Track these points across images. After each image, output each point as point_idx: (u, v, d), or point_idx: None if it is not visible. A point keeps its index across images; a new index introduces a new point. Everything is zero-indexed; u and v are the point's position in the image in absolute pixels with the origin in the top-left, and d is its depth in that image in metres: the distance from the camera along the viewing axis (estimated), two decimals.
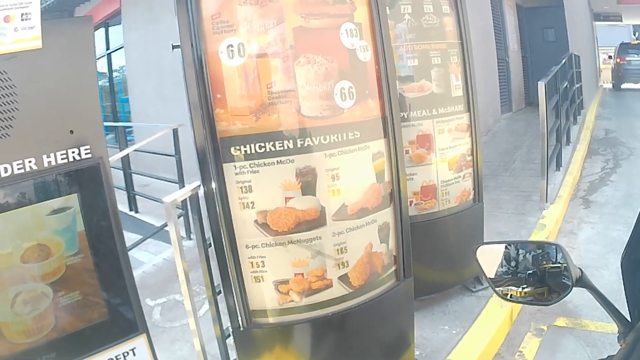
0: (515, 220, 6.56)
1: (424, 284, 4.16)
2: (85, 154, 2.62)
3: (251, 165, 3.00)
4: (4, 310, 2.52)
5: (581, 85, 12.64)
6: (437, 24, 4.31)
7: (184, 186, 7.20)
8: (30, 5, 2.48)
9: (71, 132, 2.59)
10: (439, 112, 4.27)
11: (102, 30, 15.36)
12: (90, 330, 2.74)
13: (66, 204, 2.64)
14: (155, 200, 7.40)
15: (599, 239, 6.19)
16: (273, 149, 2.99)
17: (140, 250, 7.31)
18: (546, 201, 6.95)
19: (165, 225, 6.83)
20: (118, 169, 8.41)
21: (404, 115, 4.03)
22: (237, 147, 2.99)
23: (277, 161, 3.01)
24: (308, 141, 3.04)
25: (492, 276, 1.84)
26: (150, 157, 8.21)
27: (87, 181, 2.66)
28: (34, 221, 2.58)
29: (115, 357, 2.77)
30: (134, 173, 8.58)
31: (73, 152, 2.59)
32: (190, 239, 6.51)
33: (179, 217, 5.64)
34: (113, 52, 14.32)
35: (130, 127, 12.52)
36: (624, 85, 25.05)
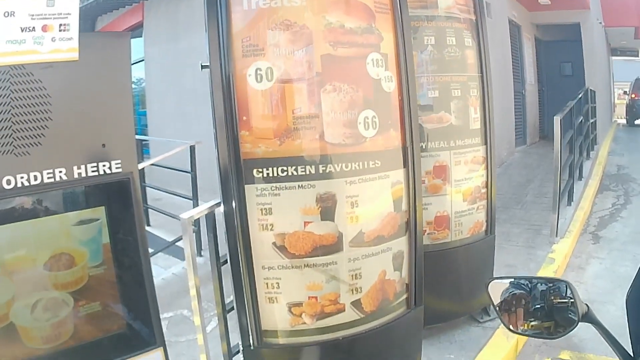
0: (524, 253, 6.55)
1: (432, 312, 4.17)
2: (116, 168, 2.64)
3: (272, 188, 3.04)
4: (23, 315, 2.55)
5: (595, 121, 12.64)
6: (459, 56, 4.35)
7: (197, 203, 7.27)
8: (69, 16, 2.51)
9: (103, 145, 2.62)
10: (456, 144, 4.30)
11: None
12: (107, 340, 2.76)
13: (93, 216, 2.67)
14: (167, 215, 7.44)
15: (606, 275, 6.18)
16: (295, 173, 3.04)
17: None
18: (556, 235, 6.93)
19: (177, 240, 6.86)
20: None
21: (422, 146, 4.04)
22: (260, 170, 3.03)
23: (298, 185, 3.05)
24: (330, 167, 3.08)
25: (502, 309, 1.88)
26: (164, 171, 8.26)
27: (115, 195, 2.68)
28: (60, 230, 2.62)
29: None
30: (148, 187, 8.61)
31: (104, 166, 2.61)
32: (201, 255, 6.53)
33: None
34: (133, 64, 14.33)
35: (147, 140, 12.55)
36: (638, 121, 24.97)
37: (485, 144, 4.51)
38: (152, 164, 8.10)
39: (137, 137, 11.78)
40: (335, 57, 3.11)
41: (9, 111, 2.41)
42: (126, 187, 2.68)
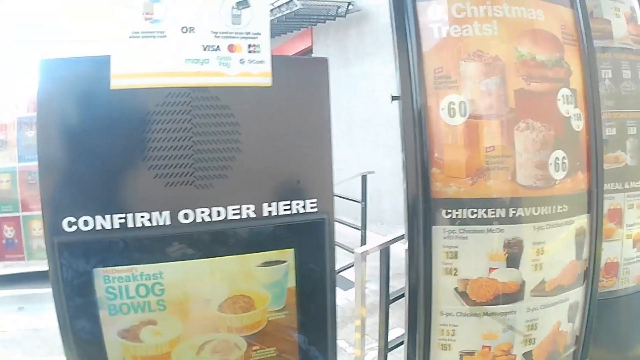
0: None
1: None
2: (311, 208, 2.45)
3: (460, 231, 2.85)
4: (187, 356, 2.37)
5: None
6: (634, 90, 4.06)
7: (365, 233, 7.18)
8: (259, 36, 2.36)
9: (298, 182, 2.42)
10: (630, 186, 4.01)
11: None
12: None
13: (280, 258, 2.45)
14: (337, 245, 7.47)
15: None
16: (485, 215, 2.84)
17: None
18: None
19: (342, 270, 6.75)
20: None
21: None
22: (449, 211, 2.85)
23: (487, 229, 2.85)
24: (520, 211, 2.87)
25: None
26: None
27: (307, 237, 2.47)
28: (242, 271, 2.41)
29: None
30: None
31: (297, 205, 2.42)
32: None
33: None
34: None
35: None
36: None
37: None
38: None
39: None
40: (528, 92, 2.91)
41: (190, 138, 2.25)
42: (320, 230, 2.47)
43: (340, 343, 5.28)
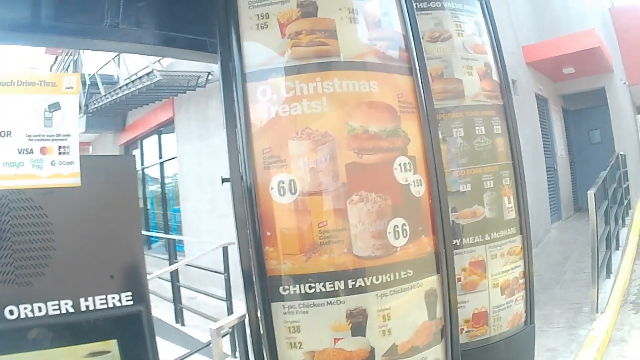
0: (566, 334, 6.30)
1: None
2: (127, 300, 2.56)
3: (300, 306, 2.91)
4: None
5: (628, 185, 12.36)
6: (489, 145, 4.20)
7: (231, 304, 7.17)
8: (68, 138, 2.48)
9: (111, 277, 2.54)
10: (491, 237, 4.12)
11: (154, 138, 15.70)
12: None
13: (104, 349, 2.55)
14: (202, 316, 7.40)
15: None
16: (323, 289, 2.90)
17: None
18: (597, 311, 6.70)
19: (208, 344, 6.71)
20: (167, 280, 8.55)
21: (456, 243, 3.88)
22: (287, 287, 2.91)
23: (327, 302, 2.91)
24: (359, 282, 2.94)
25: None
26: (199, 269, 8.26)
27: (127, 328, 2.59)
28: None
29: None
30: (182, 286, 8.59)
31: (113, 298, 2.53)
32: (236, 357, 6.35)
33: (224, 336, 5.54)
34: (166, 161, 14.53)
35: (181, 239, 12.63)
36: None
37: (521, 232, 4.33)
38: (187, 264, 8.18)
39: (171, 235, 11.98)
40: (361, 164, 3.01)
41: (9, 238, 2.38)
42: (138, 321, 2.60)
43: None
